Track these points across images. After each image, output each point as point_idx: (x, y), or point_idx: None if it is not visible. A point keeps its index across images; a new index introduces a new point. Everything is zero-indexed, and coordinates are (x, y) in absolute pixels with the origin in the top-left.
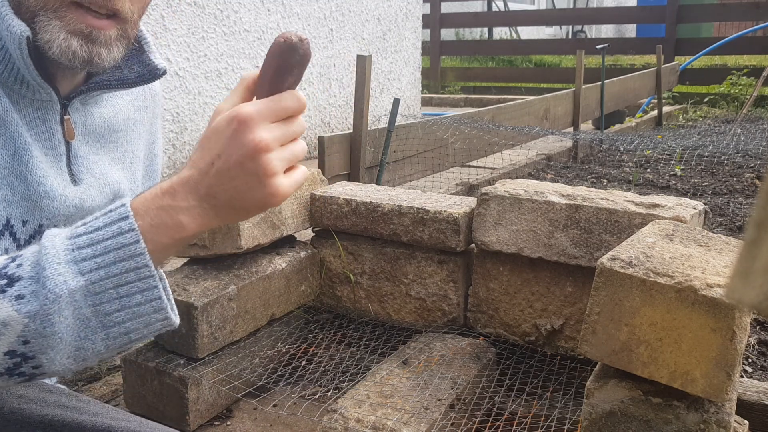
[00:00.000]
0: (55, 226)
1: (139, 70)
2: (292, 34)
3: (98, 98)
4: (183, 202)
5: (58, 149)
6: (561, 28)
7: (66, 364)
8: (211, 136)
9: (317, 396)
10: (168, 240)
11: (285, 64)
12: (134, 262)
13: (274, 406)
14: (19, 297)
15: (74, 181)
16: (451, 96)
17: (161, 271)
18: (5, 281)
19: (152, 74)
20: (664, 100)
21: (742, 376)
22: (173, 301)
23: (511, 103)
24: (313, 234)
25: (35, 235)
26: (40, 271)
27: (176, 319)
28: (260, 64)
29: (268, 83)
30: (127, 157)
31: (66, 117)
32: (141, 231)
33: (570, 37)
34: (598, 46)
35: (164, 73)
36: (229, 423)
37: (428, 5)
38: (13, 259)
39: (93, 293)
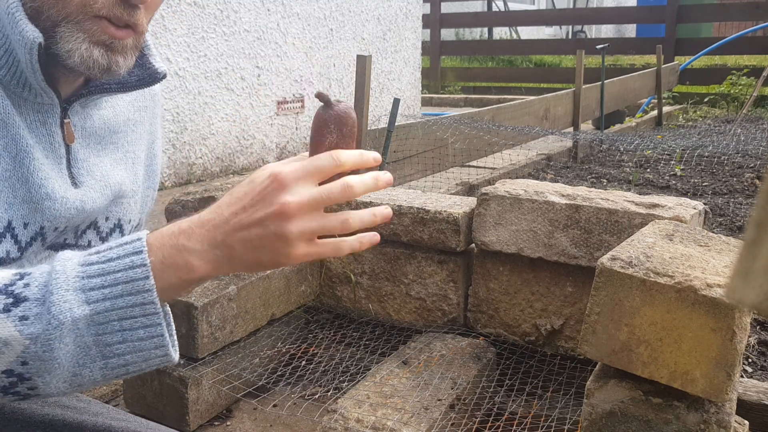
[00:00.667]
0: (57, 228)
1: (140, 73)
2: (329, 95)
3: (98, 101)
4: (197, 244)
5: (58, 152)
6: (561, 28)
7: (61, 388)
8: (245, 188)
9: (317, 396)
10: (176, 280)
11: (321, 122)
12: (141, 298)
13: (274, 406)
14: (23, 318)
15: (75, 183)
16: (451, 96)
17: (167, 307)
18: (11, 300)
19: (152, 78)
20: (664, 100)
21: (742, 376)
22: (175, 338)
23: (511, 103)
24: None
25: (36, 237)
26: (47, 295)
27: (176, 356)
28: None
29: (311, 145)
30: (128, 157)
31: (66, 120)
32: (152, 267)
33: (570, 37)
34: (598, 46)
35: (164, 76)
36: (229, 423)
37: (428, 5)
38: (21, 277)
39: (97, 323)
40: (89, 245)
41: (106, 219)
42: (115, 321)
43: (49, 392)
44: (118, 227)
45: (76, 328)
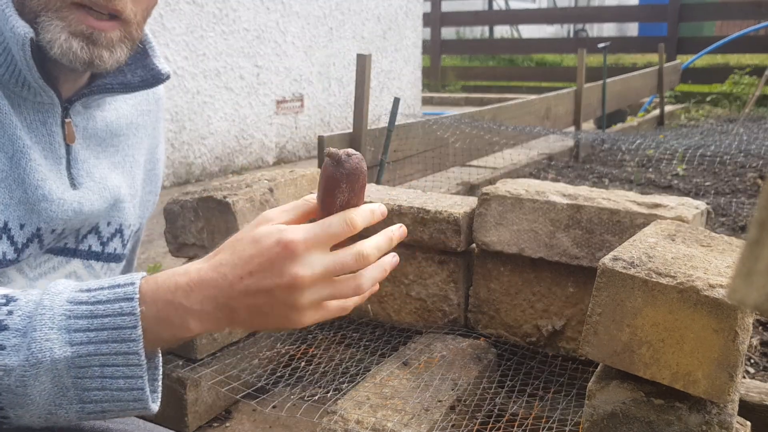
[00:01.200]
0: (54, 230)
1: (143, 74)
2: (341, 151)
3: (101, 102)
4: (197, 305)
5: (57, 152)
6: (562, 26)
7: (35, 423)
8: (249, 249)
9: (317, 397)
10: (169, 336)
11: (332, 181)
12: (125, 347)
13: (274, 407)
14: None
15: (73, 185)
16: (452, 95)
17: (159, 355)
18: None
19: (156, 79)
20: (666, 100)
21: (744, 377)
22: (159, 385)
23: (512, 102)
24: None
25: (33, 238)
26: (29, 329)
27: (155, 408)
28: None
29: (320, 202)
30: (127, 161)
31: (67, 120)
32: (143, 318)
33: (571, 35)
34: (600, 45)
35: (168, 77)
36: (228, 424)
37: (429, 4)
38: (7, 302)
39: (77, 366)
40: (90, 249)
41: (108, 224)
42: (96, 367)
43: (22, 424)
44: (119, 232)
45: (55, 368)
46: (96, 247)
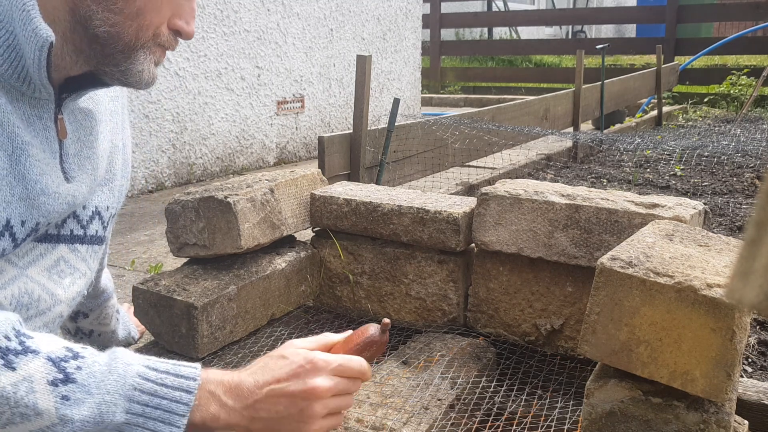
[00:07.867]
0: (49, 223)
1: None
2: (388, 324)
3: (81, 94)
4: (230, 401)
5: (52, 147)
6: (561, 28)
7: None
8: (281, 362)
9: None
10: (199, 420)
11: (373, 342)
12: (168, 429)
13: None
14: (65, 397)
15: (67, 178)
16: (451, 96)
17: None
18: (62, 376)
19: None
20: (663, 100)
21: (741, 376)
22: None
23: (511, 103)
24: (313, 234)
25: (31, 233)
26: (93, 388)
27: None
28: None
29: (353, 346)
30: (106, 146)
31: (60, 116)
32: None
33: (570, 37)
34: (598, 46)
35: None
36: None
37: (428, 5)
38: (75, 357)
39: (120, 430)
40: (72, 234)
41: (84, 207)
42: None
43: None
44: (97, 214)
45: (105, 428)
46: (77, 231)
